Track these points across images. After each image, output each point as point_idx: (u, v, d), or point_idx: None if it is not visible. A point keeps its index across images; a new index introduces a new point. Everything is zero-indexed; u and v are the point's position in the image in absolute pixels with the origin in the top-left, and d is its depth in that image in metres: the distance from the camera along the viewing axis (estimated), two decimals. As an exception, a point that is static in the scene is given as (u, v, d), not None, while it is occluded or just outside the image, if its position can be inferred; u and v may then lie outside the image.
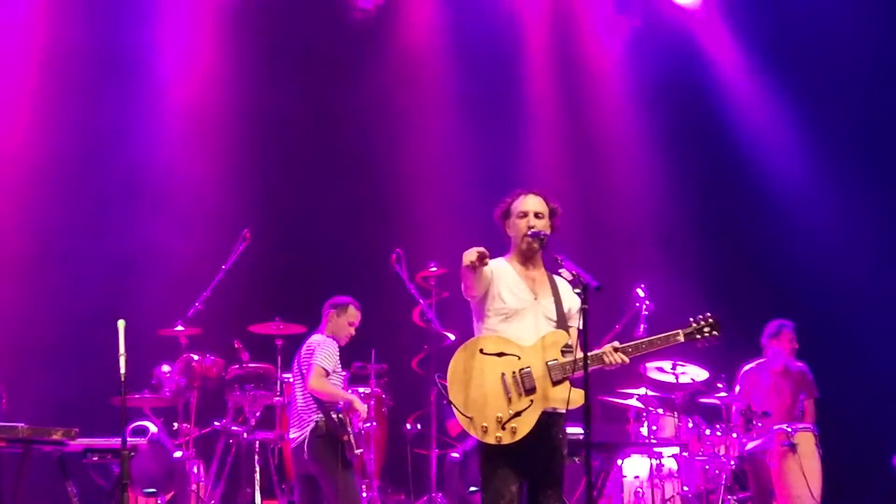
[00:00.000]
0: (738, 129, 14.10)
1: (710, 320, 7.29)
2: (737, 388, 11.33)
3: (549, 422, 6.95)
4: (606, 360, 7.03)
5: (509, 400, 6.85)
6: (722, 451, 10.73)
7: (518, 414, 6.83)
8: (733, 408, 11.12)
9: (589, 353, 6.73)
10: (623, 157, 14.04)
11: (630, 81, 14.23)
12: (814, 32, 13.48)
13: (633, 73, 14.23)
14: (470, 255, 6.76)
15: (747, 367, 11.57)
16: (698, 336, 7.26)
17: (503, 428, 6.79)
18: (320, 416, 9.04)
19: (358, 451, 9.14)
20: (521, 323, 7.08)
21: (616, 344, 7.09)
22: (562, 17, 14.17)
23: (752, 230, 13.74)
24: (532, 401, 6.87)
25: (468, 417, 6.84)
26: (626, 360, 7.06)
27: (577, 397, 6.87)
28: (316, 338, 9.47)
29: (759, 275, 13.40)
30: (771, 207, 13.73)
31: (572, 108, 14.12)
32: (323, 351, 9.25)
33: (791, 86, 13.73)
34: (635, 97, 14.15)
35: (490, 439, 6.80)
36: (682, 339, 7.25)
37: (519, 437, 6.80)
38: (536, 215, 7.19)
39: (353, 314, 9.64)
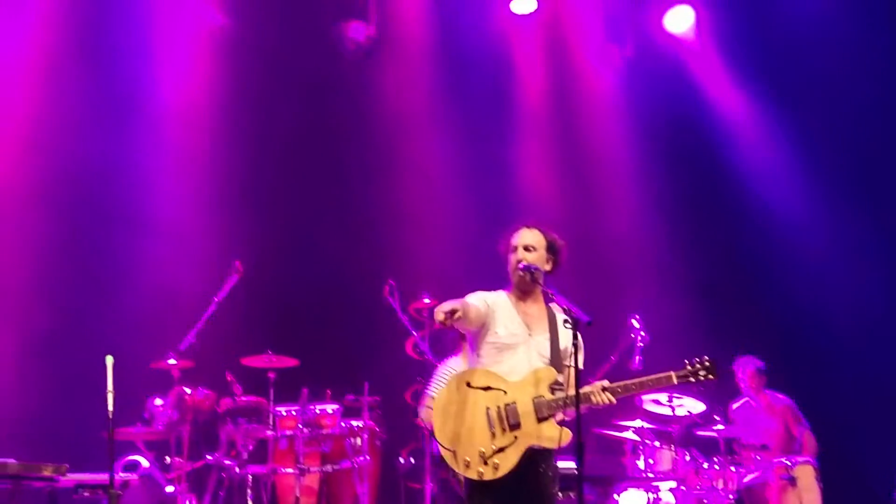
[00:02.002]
0: (732, 157, 14.06)
1: (707, 363, 7.20)
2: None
3: (536, 458, 6.90)
4: (594, 399, 6.96)
5: (493, 435, 6.80)
6: (720, 485, 10.64)
7: (501, 450, 6.79)
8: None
9: (569, 396, 6.67)
10: (617, 187, 14.00)
11: (623, 110, 14.20)
12: (808, 60, 13.48)
13: (626, 102, 14.20)
14: (438, 316, 6.68)
15: (735, 406, 11.57)
16: (692, 379, 7.17)
17: (485, 463, 6.75)
18: None
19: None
20: (513, 357, 7.03)
21: (605, 383, 7.02)
22: (554, 47, 14.14)
23: (747, 260, 13.69)
24: (516, 437, 6.82)
25: (451, 451, 6.79)
26: (614, 400, 6.99)
27: (564, 436, 6.82)
28: None
29: (755, 304, 13.36)
30: (766, 236, 13.67)
31: (565, 137, 14.09)
32: None
33: (785, 114, 13.72)
34: (628, 126, 14.12)
35: (472, 474, 6.76)
36: (674, 381, 7.17)
37: (501, 473, 6.75)
38: (527, 248, 7.17)
39: None
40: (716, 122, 14.22)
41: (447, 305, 6.69)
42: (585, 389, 6.94)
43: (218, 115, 12.81)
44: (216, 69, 12.98)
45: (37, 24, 12.22)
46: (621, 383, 7.06)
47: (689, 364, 7.20)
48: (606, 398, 6.95)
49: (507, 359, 7.04)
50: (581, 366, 6.80)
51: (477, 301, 7.10)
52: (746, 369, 11.61)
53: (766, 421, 11.49)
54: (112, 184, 12.30)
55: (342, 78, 13.36)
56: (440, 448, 6.83)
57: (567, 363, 6.89)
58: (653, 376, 7.16)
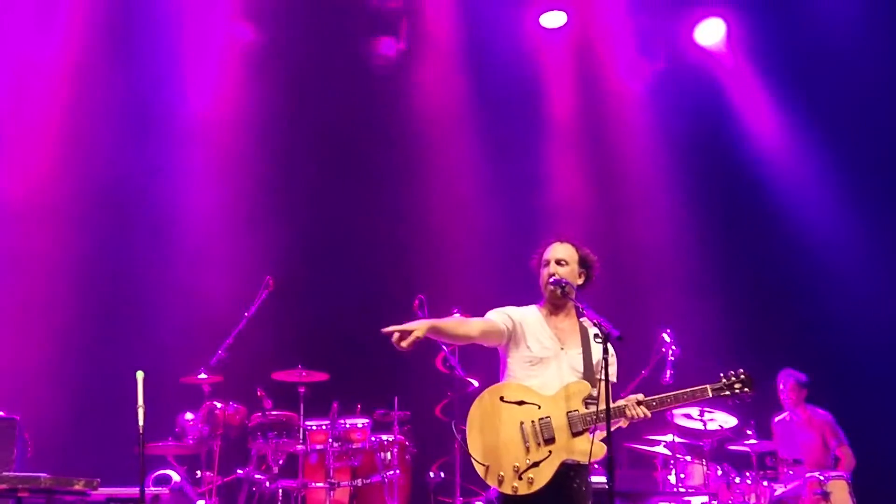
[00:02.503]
0: (765, 170, 13.98)
1: (742, 377, 7.16)
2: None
3: (570, 472, 6.86)
4: (628, 413, 6.93)
5: (527, 449, 6.77)
6: (752, 500, 10.56)
7: (536, 464, 6.75)
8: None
9: (611, 406, 6.64)
10: (648, 199, 13.95)
11: (654, 123, 14.14)
12: (840, 71, 13.38)
13: (657, 115, 14.15)
14: (396, 345, 6.65)
15: (777, 419, 11.53)
16: (727, 392, 7.13)
17: (520, 478, 6.71)
18: None
19: None
20: (545, 372, 7.01)
21: (640, 396, 6.99)
22: (584, 60, 14.12)
23: (779, 273, 13.58)
24: (551, 451, 6.79)
25: (485, 465, 6.76)
26: (649, 414, 6.95)
27: (598, 450, 6.78)
28: None
29: (787, 318, 13.27)
30: (799, 247, 13.54)
31: (596, 150, 14.06)
32: None
33: (819, 127, 13.58)
34: (659, 138, 14.06)
35: (506, 489, 6.73)
36: (709, 394, 7.13)
37: (536, 487, 6.72)
38: (559, 262, 7.17)
39: None
40: (747, 133, 14.14)
41: (396, 328, 6.67)
42: (620, 403, 6.93)
43: (248, 132, 12.89)
44: (247, 84, 13.06)
45: (68, 36, 12.34)
46: (657, 397, 7.02)
47: (725, 377, 7.17)
48: (641, 412, 6.92)
49: (540, 373, 7.02)
50: (615, 378, 6.76)
51: (496, 316, 7.12)
52: (787, 382, 11.56)
53: (804, 435, 11.43)
54: (143, 199, 12.42)
55: (372, 93, 13.39)
56: (474, 462, 6.80)
57: (599, 377, 6.86)
58: (688, 389, 7.13)
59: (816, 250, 13.42)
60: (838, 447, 11.27)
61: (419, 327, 6.70)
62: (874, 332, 12.80)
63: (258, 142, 12.88)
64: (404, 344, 6.61)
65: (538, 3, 13.88)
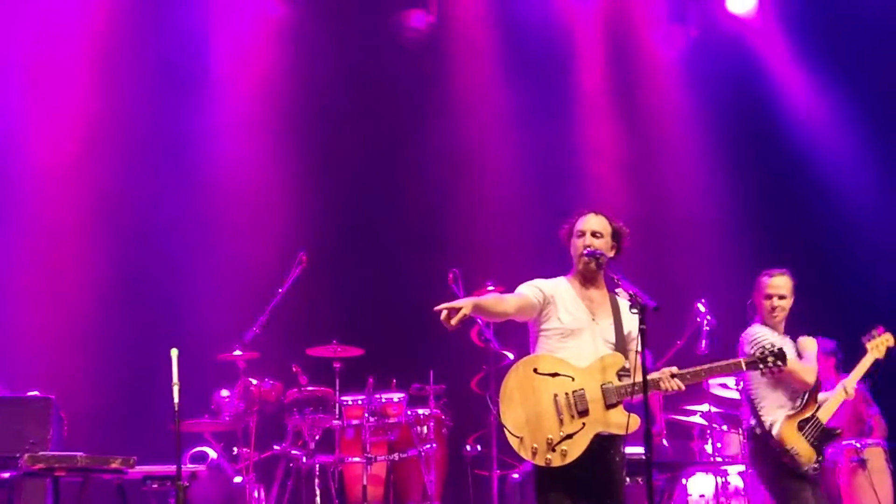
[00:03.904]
0: (800, 136, 13.88)
1: (776, 350, 7.20)
2: None
3: (605, 444, 6.86)
4: (663, 385, 6.91)
5: (561, 422, 6.75)
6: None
7: (570, 436, 6.73)
8: None
9: (638, 382, 6.65)
10: (682, 169, 13.86)
11: (687, 91, 14.06)
12: (874, 35, 13.25)
13: (691, 83, 14.06)
14: (445, 323, 6.66)
15: None
16: (761, 366, 7.16)
17: (553, 450, 6.70)
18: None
19: None
20: (578, 343, 6.99)
21: (674, 369, 6.97)
22: (615, 29, 14.04)
23: (816, 240, 13.47)
24: (584, 423, 6.77)
25: (518, 437, 6.75)
26: (682, 386, 6.93)
27: (633, 422, 6.78)
28: None
29: (824, 286, 13.14)
30: (836, 216, 13.44)
31: (630, 120, 13.99)
32: None
33: (852, 91, 13.47)
34: (693, 108, 13.98)
35: (539, 461, 6.72)
36: (743, 368, 7.20)
37: (570, 459, 6.70)
38: (594, 234, 7.13)
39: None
40: (781, 101, 14.05)
41: (445, 305, 6.67)
42: (654, 375, 6.90)
43: (279, 107, 12.85)
44: (277, 59, 13.03)
45: (94, 14, 12.33)
46: (691, 370, 7.00)
47: (759, 350, 7.16)
48: (676, 384, 6.90)
49: (573, 345, 7.00)
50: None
51: (528, 290, 7.11)
52: (819, 352, 11.42)
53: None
54: (178, 175, 12.38)
55: (403, 66, 13.31)
56: (507, 434, 6.79)
57: (634, 348, 6.84)
58: (722, 362, 7.16)
59: (853, 217, 13.31)
60: (871, 416, 11.16)
61: (466, 304, 6.69)
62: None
63: (289, 119, 12.84)
64: (453, 321, 6.61)
65: (570, -27, 13.81)
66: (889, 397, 11.35)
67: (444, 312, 6.62)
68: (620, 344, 7.03)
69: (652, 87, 14.10)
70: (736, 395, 10.58)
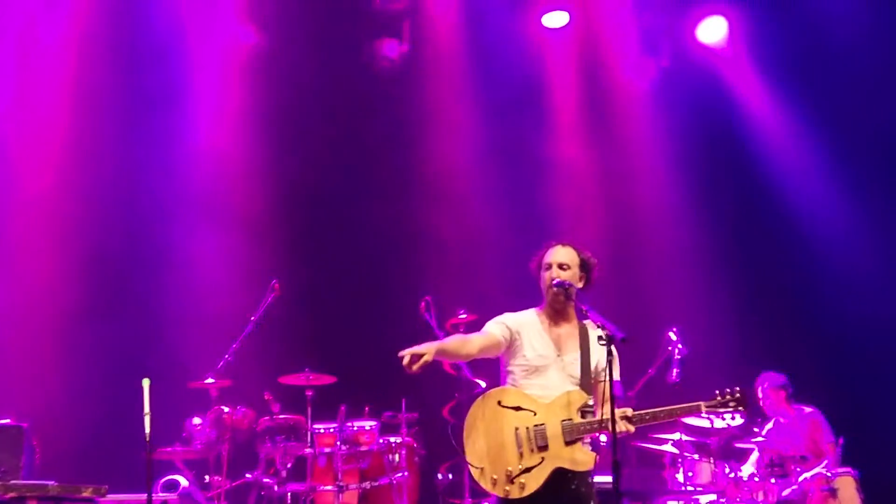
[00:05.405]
0: (770, 166, 13.95)
1: (737, 395, 7.23)
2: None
3: (567, 475, 6.91)
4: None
5: (521, 455, 6.85)
6: (760, 497, 10.55)
7: (528, 470, 6.83)
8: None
9: (597, 420, 6.84)
10: (654, 198, 13.92)
11: (658, 121, 14.12)
12: (842, 67, 13.34)
13: (661, 113, 14.13)
14: (406, 369, 6.72)
15: (766, 429, 11.39)
16: (721, 409, 7.23)
17: (511, 482, 6.80)
18: None
19: None
20: (544, 379, 7.07)
21: (628, 412, 6.98)
22: (586, 60, 14.10)
23: (785, 269, 13.56)
24: (543, 458, 6.86)
25: (479, 468, 6.84)
26: (632, 429, 6.96)
27: (588, 459, 6.90)
28: None
29: (795, 315, 13.25)
30: (805, 245, 13.50)
31: (602, 149, 14.02)
32: None
33: (822, 121, 13.56)
34: (664, 137, 14.04)
35: (498, 492, 6.83)
36: (703, 410, 7.20)
37: (527, 492, 6.80)
38: (561, 266, 7.17)
39: None
40: (752, 131, 14.11)
41: (408, 351, 6.73)
42: (606, 417, 6.90)
43: (252, 135, 12.88)
44: (250, 86, 13.04)
45: (70, 36, 12.36)
46: (650, 411, 7.05)
47: (720, 394, 7.24)
48: (625, 427, 6.89)
49: (538, 381, 7.07)
50: (617, 376, 6.77)
51: (494, 328, 7.16)
52: (763, 386, 11.48)
53: (794, 434, 11.33)
54: (150, 203, 12.40)
55: (376, 95, 13.39)
56: (469, 465, 6.87)
57: (601, 380, 6.91)
58: (683, 405, 7.17)
59: (822, 247, 13.38)
60: (825, 443, 11.19)
61: (428, 351, 6.74)
62: (884, 329, 12.75)
63: (262, 146, 12.87)
64: (415, 367, 6.68)
65: (540, 4, 13.86)
66: (857, 426, 11.44)
67: (407, 358, 6.65)
68: (585, 379, 7.08)
69: (624, 117, 14.16)
70: (707, 424, 10.62)
